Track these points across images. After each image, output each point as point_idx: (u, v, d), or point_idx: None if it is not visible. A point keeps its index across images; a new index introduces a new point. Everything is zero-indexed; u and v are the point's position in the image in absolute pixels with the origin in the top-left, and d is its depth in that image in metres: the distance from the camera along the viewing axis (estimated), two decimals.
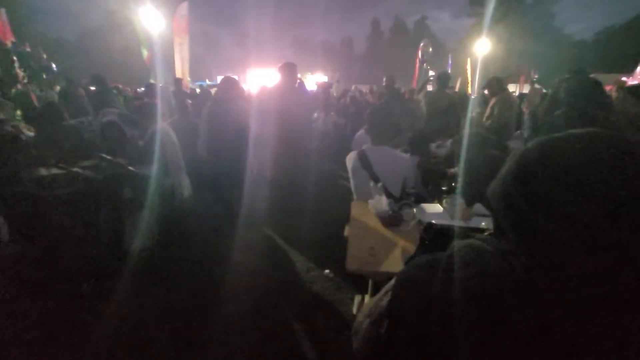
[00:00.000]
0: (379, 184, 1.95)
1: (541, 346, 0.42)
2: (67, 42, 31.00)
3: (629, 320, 0.40)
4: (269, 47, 44.07)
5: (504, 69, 19.71)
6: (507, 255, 0.47)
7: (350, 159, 2.23)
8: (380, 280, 1.53)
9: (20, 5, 22.03)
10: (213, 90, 6.61)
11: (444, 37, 41.84)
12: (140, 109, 2.99)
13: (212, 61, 30.34)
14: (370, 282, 1.77)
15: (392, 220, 1.75)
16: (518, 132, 4.77)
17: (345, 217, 1.96)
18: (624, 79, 6.15)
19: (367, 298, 1.92)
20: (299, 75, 3.60)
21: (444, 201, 1.91)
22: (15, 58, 5.48)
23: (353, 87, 12.50)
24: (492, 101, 4.03)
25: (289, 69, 3.43)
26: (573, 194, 0.40)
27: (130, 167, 2.58)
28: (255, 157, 3.39)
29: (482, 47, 10.84)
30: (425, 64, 9.65)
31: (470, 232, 0.75)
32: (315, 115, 5.99)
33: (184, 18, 8.69)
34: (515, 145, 3.25)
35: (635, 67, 6.14)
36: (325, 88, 7.49)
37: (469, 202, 1.75)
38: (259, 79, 13.15)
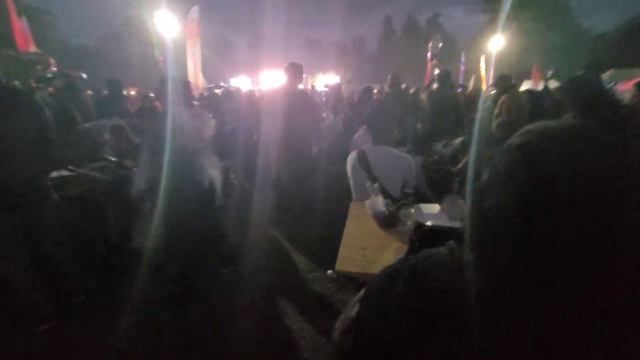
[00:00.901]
0: (376, 184, 1.94)
1: None
2: (87, 47, 32.03)
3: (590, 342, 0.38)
4: (281, 48, 44.36)
5: (519, 65, 19.22)
6: (469, 269, 0.45)
7: (350, 159, 2.23)
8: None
9: (42, 13, 22.89)
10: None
11: (457, 34, 41.12)
12: (141, 111, 3.08)
13: (224, 63, 30.75)
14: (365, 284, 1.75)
15: (388, 221, 1.74)
16: None
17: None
18: None
19: None
20: (304, 76, 3.60)
21: (443, 201, 1.88)
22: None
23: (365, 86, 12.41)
24: (501, 99, 3.94)
25: (294, 70, 3.43)
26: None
27: (135, 169, 2.65)
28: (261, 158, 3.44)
29: (497, 43, 10.61)
30: (434, 61, 9.52)
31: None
32: (324, 115, 6.00)
33: (195, 22, 8.85)
34: None
35: None
36: (334, 89, 7.51)
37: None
38: (271, 80, 13.24)
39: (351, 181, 2.25)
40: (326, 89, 8.22)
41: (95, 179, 2.64)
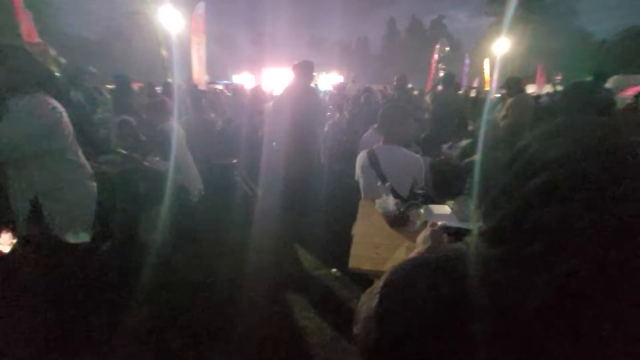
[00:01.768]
0: (387, 184, 1.94)
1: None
2: (88, 40, 31.90)
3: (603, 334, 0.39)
4: (285, 46, 44.35)
5: (522, 68, 19.22)
6: (490, 262, 0.47)
7: (360, 157, 2.23)
8: None
9: (44, 4, 22.77)
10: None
11: (461, 37, 41.13)
12: (151, 107, 3.08)
13: (228, 60, 30.74)
14: (375, 281, 1.76)
15: (398, 221, 1.74)
16: None
17: (353, 217, 1.96)
18: None
19: None
20: (314, 74, 3.57)
21: (453, 202, 1.89)
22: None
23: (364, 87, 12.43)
24: (509, 102, 3.94)
25: (305, 67, 3.36)
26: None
27: (145, 163, 2.65)
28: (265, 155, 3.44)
29: (501, 46, 10.60)
30: (440, 64, 9.51)
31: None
32: (329, 114, 6.02)
33: (201, 17, 8.81)
34: None
35: None
36: (339, 88, 7.56)
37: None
38: (275, 78, 13.25)
39: (360, 180, 2.25)
40: (331, 89, 8.25)
41: (102, 172, 2.63)
